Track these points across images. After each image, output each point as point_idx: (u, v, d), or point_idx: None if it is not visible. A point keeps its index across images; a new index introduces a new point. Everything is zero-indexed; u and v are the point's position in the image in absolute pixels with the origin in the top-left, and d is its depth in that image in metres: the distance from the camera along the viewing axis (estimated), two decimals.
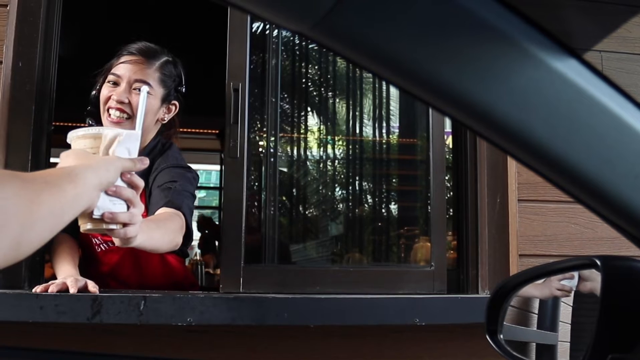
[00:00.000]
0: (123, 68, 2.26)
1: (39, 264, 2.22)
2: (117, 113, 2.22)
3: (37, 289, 1.97)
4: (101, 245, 2.32)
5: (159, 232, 1.82)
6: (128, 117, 2.22)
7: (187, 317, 2.00)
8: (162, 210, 2.05)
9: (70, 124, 4.80)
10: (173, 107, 2.37)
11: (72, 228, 2.25)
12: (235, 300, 2.08)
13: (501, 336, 1.21)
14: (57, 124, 2.37)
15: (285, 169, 3.10)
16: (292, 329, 2.21)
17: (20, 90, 2.16)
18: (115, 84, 2.25)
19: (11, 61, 2.16)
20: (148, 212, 2.11)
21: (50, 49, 2.26)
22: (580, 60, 0.70)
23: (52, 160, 2.34)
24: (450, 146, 2.85)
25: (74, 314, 1.95)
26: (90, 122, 2.36)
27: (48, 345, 2.06)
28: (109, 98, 2.23)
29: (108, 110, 2.23)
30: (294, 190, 3.14)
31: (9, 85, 2.15)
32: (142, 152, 2.28)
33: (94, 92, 2.34)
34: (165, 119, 2.37)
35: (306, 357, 2.27)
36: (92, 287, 2.00)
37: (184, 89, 2.42)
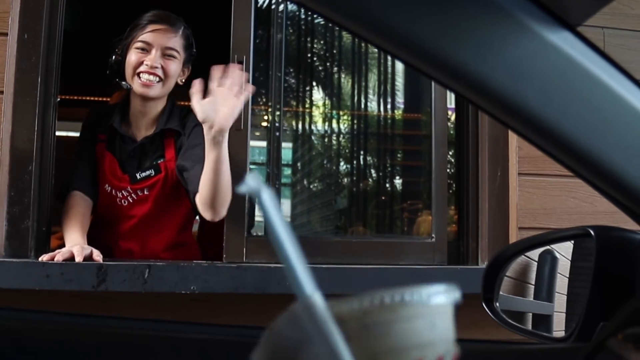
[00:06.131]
0: (152, 36, 2.36)
1: (45, 234, 2.25)
2: (150, 77, 2.33)
3: (44, 257, 2.02)
4: (128, 198, 2.40)
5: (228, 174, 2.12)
6: (159, 80, 2.35)
7: (190, 285, 2.04)
8: None
9: (76, 97, 4.82)
10: (186, 70, 2.48)
11: (91, 187, 2.39)
12: (238, 269, 2.11)
13: (497, 304, 1.24)
14: (63, 97, 2.40)
15: (290, 143, 3.12)
16: (294, 298, 2.23)
17: (26, 62, 2.18)
18: (145, 50, 2.36)
19: (17, 34, 2.17)
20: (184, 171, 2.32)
21: (56, 21, 2.28)
22: (574, 32, 0.71)
23: (58, 133, 2.37)
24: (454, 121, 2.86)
25: (79, 282, 1.99)
26: (124, 84, 2.48)
27: None
28: (140, 63, 2.34)
29: (138, 75, 2.34)
30: (299, 164, 3.16)
31: (14, 58, 2.16)
32: (162, 113, 2.44)
33: (113, 58, 2.46)
34: (181, 82, 2.48)
35: None
36: (97, 255, 2.06)
37: (194, 52, 2.52)
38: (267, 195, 0.50)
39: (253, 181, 0.49)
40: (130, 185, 2.39)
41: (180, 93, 2.52)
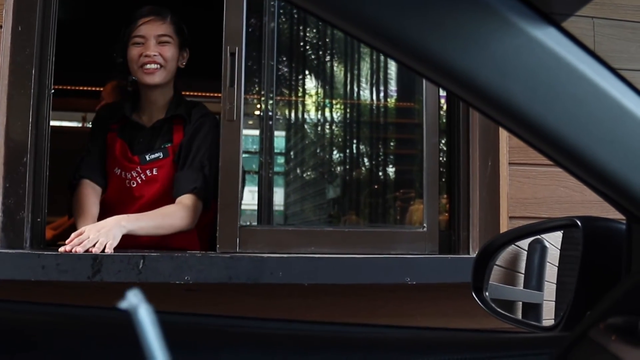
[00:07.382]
0: (144, 29, 2.53)
1: (40, 225, 2.26)
2: (152, 65, 2.50)
3: (78, 248, 2.04)
4: (137, 179, 2.53)
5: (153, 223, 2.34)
6: (160, 66, 2.52)
7: (184, 275, 2.06)
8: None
9: (70, 87, 4.82)
10: (185, 54, 2.64)
11: (99, 175, 2.52)
12: (232, 259, 2.12)
13: (486, 293, 1.24)
14: (58, 87, 2.42)
15: (283, 132, 3.12)
16: (287, 288, 2.25)
17: (20, 54, 2.18)
18: (141, 43, 2.52)
19: (11, 25, 2.17)
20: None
21: (50, 12, 2.28)
22: (559, 28, 0.72)
23: (53, 123, 2.38)
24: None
25: (75, 273, 2.00)
26: (130, 78, 2.63)
27: None
28: (140, 56, 2.51)
29: (142, 67, 2.51)
30: (292, 152, 3.16)
31: (9, 50, 2.17)
32: (171, 101, 2.60)
33: (120, 60, 2.61)
34: (182, 65, 2.64)
35: (300, 315, 2.31)
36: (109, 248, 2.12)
37: (187, 35, 2.66)
38: (144, 312, 0.50)
39: (133, 298, 0.50)
40: (140, 165, 2.53)
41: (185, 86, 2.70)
